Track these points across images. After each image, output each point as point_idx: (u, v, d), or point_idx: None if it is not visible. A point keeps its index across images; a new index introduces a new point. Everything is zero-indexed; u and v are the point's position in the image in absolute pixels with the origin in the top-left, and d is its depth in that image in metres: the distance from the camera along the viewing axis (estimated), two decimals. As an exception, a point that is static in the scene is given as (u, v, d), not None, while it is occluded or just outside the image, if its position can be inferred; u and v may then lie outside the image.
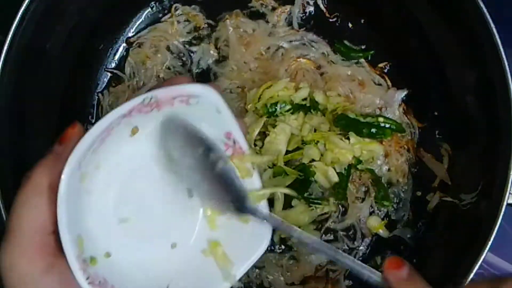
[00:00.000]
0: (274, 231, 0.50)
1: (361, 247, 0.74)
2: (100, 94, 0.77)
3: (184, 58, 0.77)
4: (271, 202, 0.69)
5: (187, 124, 0.46)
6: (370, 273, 0.47)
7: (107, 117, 0.40)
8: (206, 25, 0.78)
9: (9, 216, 0.40)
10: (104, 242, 0.44)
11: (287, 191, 0.59)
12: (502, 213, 0.59)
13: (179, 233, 0.49)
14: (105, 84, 0.77)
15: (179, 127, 0.46)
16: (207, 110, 0.46)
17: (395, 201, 0.74)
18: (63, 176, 0.38)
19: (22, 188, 0.40)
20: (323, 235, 0.73)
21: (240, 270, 0.49)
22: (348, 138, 0.69)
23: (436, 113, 0.74)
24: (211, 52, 0.77)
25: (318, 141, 0.70)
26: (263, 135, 0.71)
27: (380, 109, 0.75)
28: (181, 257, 0.48)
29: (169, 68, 0.77)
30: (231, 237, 0.50)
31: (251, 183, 0.49)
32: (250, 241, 0.49)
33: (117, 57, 0.78)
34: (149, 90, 0.43)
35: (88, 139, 0.40)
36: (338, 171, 0.70)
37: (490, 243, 0.58)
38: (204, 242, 0.50)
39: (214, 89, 0.45)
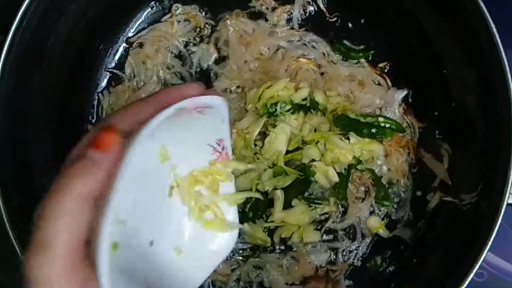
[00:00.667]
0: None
1: (361, 247, 0.74)
2: (100, 94, 0.77)
3: (184, 58, 0.77)
4: (271, 202, 0.70)
5: None
6: None
7: (150, 127, 0.39)
8: (206, 25, 0.78)
9: (40, 226, 0.37)
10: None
11: (257, 195, 0.64)
12: (502, 213, 0.59)
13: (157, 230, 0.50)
14: (105, 84, 0.78)
15: None
16: (214, 119, 0.48)
17: (395, 201, 0.74)
18: (113, 197, 0.37)
19: (57, 197, 0.37)
20: (323, 235, 0.73)
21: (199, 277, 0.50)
22: (348, 138, 0.69)
23: (436, 113, 0.74)
24: (211, 52, 0.77)
25: (318, 141, 0.70)
26: (263, 135, 0.71)
27: (380, 109, 0.75)
28: (156, 255, 0.49)
29: (169, 68, 0.77)
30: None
31: (228, 186, 0.53)
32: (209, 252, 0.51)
33: (117, 57, 0.78)
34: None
35: (132, 151, 0.38)
36: (338, 171, 0.70)
37: (490, 243, 0.58)
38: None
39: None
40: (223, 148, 0.51)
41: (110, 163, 0.38)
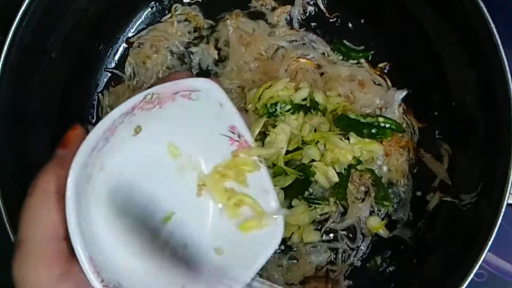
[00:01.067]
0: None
1: (361, 247, 0.74)
2: (100, 94, 0.77)
3: (184, 58, 0.77)
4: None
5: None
6: None
7: (110, 115, 0.40)
8: (206, 25, 0.78)
9: (18, 227, 0.39)
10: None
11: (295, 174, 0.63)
12: (502, 213, 0.59)
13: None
14: (105, 84, 0.77)
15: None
16: (209, 104, 0.45)
17: (395, 201, 0.74)
18: (69, 178, 0.38)
19: (29, 197, 0.39)
20: (323, 235, 0.73)
21: (245, 276, 0.47)
22: (348, 138, 0.69)
23: (436, 113, 0.74)
24: (211, 52, 0.77)
25: (318, 141, 0.70)
26: (263, 135, 0.71)
27: (380, 109, 0.75)
28: (192, 256, 0.48)
29: (169, 68, 0.77)
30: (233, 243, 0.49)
31: (260, 176, 0.49)
32: (253, 248, 0.48)
33: (117, 57, 0.78)
34: (149, 86, 0.43)
35: (92, 139, 0.39)
36: (338, 171, 0.70)
37: (490, 243, 0.58)
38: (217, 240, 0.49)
39: (216, 82, 0.45)
40: (239, 136, 0.47)
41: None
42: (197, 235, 0.49)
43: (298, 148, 0.70)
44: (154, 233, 0.47)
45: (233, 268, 0.47)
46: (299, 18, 0.77)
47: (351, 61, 0.76)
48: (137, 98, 0.41)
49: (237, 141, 0.47)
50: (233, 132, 0.47)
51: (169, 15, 0.78)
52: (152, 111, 0.43)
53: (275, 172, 0.69)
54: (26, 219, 0.39)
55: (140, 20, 0.78)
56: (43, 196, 0.39)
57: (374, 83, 0.76)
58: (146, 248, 0.46)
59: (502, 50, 0.60)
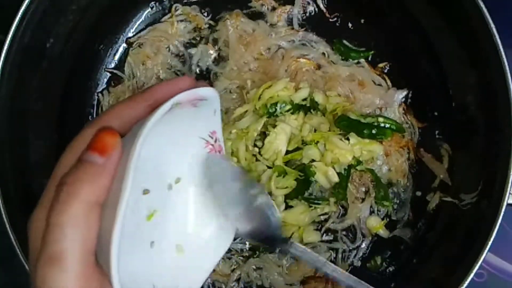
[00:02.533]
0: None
1: (361, 247, 0.74)
2: (100, 94, 0.77)
3: (184, 59, 0.77)
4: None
5: (227, 163, 0.47)
6: None
7: (146, 126, 0.38)
8: (206, 25, 0.78)
9: (49, 238, 0.36)
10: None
11: None
12: (502, 213, 0.59)
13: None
14: (105, 84, 0.78)
15: (221, 165, 0.47)
16: (206, 111, 0.47)
17: (395, 201, 0.74)
18: (124, 198, 0.36)
19: (65, 206, 0.36)
20: (323, 235, 0.73)
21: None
22: (348, 139, 0.69)
23: (436, 113, 0.74)
24: (210, 52, 0.77)
25: (318, 141, 0.70)
26: (263, 135, 0.71)
27: (380, 109, 0.75)
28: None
29: (169, 68, 0.77)
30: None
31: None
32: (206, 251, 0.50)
33: (117, 57, 0.78)
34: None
35: (137, 153, 0.37)
36: (338, 171, 0.70)
37: (490, 243, 0.58)
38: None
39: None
40: (215, 141, 0.49)
41: (113, 167, 0.38)
42: (163, 232, 0.49)
43: (298, 148, 0.70)
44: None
45: (189, 268, 0.49)
46: (299, 18, 0.77)
47: (351, 61, 0.76)
48: (166, 107, 0.40)
49: (212, 145, 0.49)
50: (211, 137, 0.49)
51: (169, 15, 0.78)
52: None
53: (276, 171, 0.69)
54: (64, 230, 0.36)
55: (140, 20, 0.78)
56: (86, 208, 0.36)
57: (374, 83, 0.75)
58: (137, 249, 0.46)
59: (502, 50, 0.60)
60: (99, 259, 0.38)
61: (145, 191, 0.46)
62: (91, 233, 0.37)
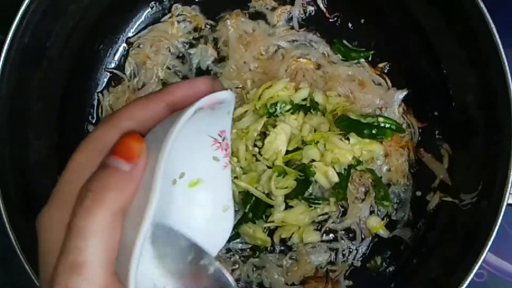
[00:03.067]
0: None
1: (361, 247, 0.74)
2: (100, 94, 0.77)
3: (184, 59, 0.77)
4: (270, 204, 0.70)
5: (176, 233, 0.45)
6: None
7: (173, 134, 0.37)
8: (206, 25, 0.78)
9: (73, 245, 0.35)
10: None
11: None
12: (502, 213, 0.59)
13: None
14: (105, 84, 0.78)
15: (169, 236, 0.44)
16: (221, 111, 0.46)
17: (395, 201, 0.74)
18: (150, 211, 0.35)
19: (89, 213, 0.35)
20: (323, 235, 0.73)
21: None
22: (348, 138, 0.69)
23: (436, 113, 0.74)
24: (210, 52, 0.77)
25: (318, 141, 0.70)
26: (263, 135, 0.71)
27: (380, 109, 0.75)
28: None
29: (169, 68, 0.77)
30: None
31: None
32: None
33: (117, 57, 0.78)
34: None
35: (163, 163, 0.36)
36: (338, 171, 0.70)
37: (490, 243, 0.58)
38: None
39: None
40: (223, 139, 0.48)
41: (140, 174, 0.37)
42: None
43: (298, 148, 0.70)
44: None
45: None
46: (299, 18, 0.77)
47: (351, 61, 0.76)
48: (190, 113, 0.38)
49: (219, 143, 0.48)
50: (220, 135, 0.48)
51: (169, 15, 0.78)
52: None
53: (275, 172, 0.69)
54: (89, 239, 0.35)
55: (140, 20, 0.78)
56: (111, 217, 0.35)
57: (374, 83, 0.75)
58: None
59: (502, 50, 0.60)
60: (117, 268, 0.37)
61: None
62: (114, 242, 0.36)
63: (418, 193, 0.74)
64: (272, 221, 0.70)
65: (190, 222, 0.49)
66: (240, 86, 0.75)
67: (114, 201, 0.36)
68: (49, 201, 0.39)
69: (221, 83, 0.45)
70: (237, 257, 0.74)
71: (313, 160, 0.70)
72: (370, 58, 0.76)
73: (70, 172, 0.39)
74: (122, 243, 0.37)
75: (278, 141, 0.69)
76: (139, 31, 0.78)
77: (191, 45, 0.77)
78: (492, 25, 0.61)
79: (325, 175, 0.70)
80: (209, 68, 0.77)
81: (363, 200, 0.74)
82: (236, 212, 0.73)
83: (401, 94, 0.75)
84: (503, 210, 0.59)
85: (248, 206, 0.70)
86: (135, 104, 0.41)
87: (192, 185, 0.48)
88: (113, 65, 0.78)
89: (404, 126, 0.73)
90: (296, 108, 0.71)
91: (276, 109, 0.70)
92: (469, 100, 0.68)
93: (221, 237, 0.51)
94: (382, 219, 0.74)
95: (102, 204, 0.35)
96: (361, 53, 0.76)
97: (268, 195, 0.69)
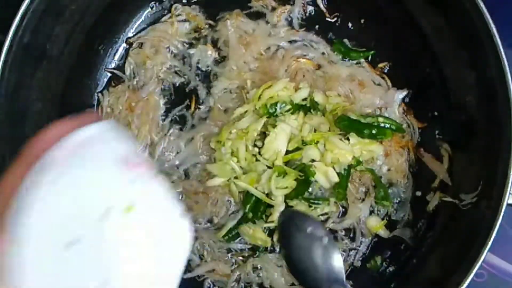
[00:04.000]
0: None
1: (361, 247, 0.74)
2: (100, 94, 0.77)
3: (184, 58, 0.77)
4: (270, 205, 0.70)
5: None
6: None
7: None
8: (206, 26, 0.77)
9: None
10: None
11: None
12: (502, 213, 0.59)
13: None
14: (105, 84, 0.78)
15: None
16: (108, 138, 0.46)
17: (395, 201, 0.74)
18: None
19: None
20: (323, 235, 0.73)
21: None
22: (348, 139, 0.69)
23: (436, 113, 0.74)
24: (210, 52, 0.77)
25: (318, 142, 0.70)
26: (263, 135, 0.71)
27: (380, 109, 0.75)
28: None
29: (169, 68, 0.77)
30: None
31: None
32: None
33: (117, 57, 0.78)
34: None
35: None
36: (338, 171, 0.70)
37: (490, 243, 0.58)
38: None
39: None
40: (134, 157, 0.45)
41: None
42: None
43: (298, 148, 0.70)
44: None
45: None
46: (299, 18, 0.77)
47: (351, 61, 0.76)
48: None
49: (126, 165, 0.45)
50: (127, 158, 0.45)
51: (169, 15, 0.78)
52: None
53: (275, 172, 0.69)
54: None
55: (140, 20, 0.78)
56: None
57: (374, 83, 0.75)
58: None
59: (502, 50, 0.60)
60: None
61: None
62: None
63: (418, 193, 0.74)
64: (272, 221, 0.70)
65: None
66: (240, 86, 0.75)
67: None
68: None
69: (91, 116, 0.44)
70: (237, 257, 0.74)
71: (313, 160, 0.70)
72: (370, 58, 0.76)
73: None
74: None
75: (278, 141, 0.69)
76: (139, 31, 0.78)
77: (191, 45, 0.77)
78: (492, 25, 0.61)
79: (325, 175, 0.70)
80: (209, 68, 0.77)
81: (363, 200, 0.74)
82: (236, 212, 0.74)
83: (401, 94, 0.75)
84: (503, 210, 0.59)
85: (248, 206, 0.70)
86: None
87: (127, 211, 0.43)
88: (113, 65, 0.78)
89: (404, 126, 0.73)
90: (296, 108, 0.71)
91: (276, 109, 0.70)
92: (469, 100, 0.68)
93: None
94: (382, 219, 0.74)
95: None
96: (361, 53, 0.76)
97: (268, 195, 0.69)
